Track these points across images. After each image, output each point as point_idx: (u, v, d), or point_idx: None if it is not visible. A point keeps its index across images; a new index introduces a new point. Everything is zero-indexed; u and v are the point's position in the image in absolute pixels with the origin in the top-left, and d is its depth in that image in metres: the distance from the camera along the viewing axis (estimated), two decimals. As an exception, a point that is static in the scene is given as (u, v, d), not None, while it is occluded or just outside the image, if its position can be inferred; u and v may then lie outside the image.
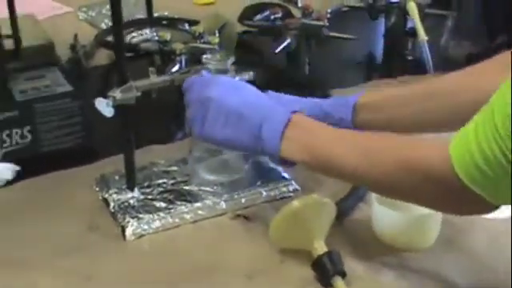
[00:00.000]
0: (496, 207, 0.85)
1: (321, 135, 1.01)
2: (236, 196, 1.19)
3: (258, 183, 1.21)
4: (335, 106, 1.14)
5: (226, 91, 1.08)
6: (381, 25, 1.82)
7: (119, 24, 1.07)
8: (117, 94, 1.08)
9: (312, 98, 1.18)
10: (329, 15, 1.70)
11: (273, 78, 1.64)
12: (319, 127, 1.03)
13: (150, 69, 1.13)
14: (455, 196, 0.85)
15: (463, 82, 1.08)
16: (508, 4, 1.57)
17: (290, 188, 1.22)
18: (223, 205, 1.17)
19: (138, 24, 1.80)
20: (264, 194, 1.20)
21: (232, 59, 1.17)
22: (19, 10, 1.51)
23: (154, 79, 1.13)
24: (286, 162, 1.05)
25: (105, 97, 1.08)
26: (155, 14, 1.87)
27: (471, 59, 1.59)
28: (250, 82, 1.23)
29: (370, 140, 0.97)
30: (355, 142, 0.98)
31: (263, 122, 1.04)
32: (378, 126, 1.11)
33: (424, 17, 1.70)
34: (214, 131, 1.07)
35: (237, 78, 1.21)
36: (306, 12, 1.69)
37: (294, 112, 1.05)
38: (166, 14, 1.94)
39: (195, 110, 1.08)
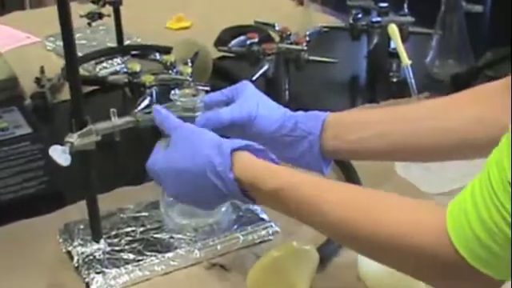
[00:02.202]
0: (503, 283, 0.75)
1: (277, 175, 0.91)
2: (211, 243, 1.11)
3: (235, 227, 1.14)
4: (306, 118, 1.06)
5: (161, 158, 0.99)
6: (363, 45, 1.77)
7: (74, 61, 0.99)
8: (74, 139, 0.99)
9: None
10: (308, 38, 1.64)
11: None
12: (269, 166, 0.93)
13: (112, 110, 1.04)
14: (457, 275, 0.75)
15: (434, 109, 1.02)
16: (493, 22, 1.52)
17: (270, 231, 1.14)
18: (197, 253, 1.09)
19: (107, 54, 1.74)
20: (241, 238, 1.12)
21: (202, 95, 1.09)
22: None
23: (116, 121, 1.04)
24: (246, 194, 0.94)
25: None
26: (127, 42, 1.82)
27: (457, 78, 1.55)
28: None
29: (357, 194, 0.87)
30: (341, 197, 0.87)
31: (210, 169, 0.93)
32: (343, 145, 1.04)
33: (408, 35, 1.65)
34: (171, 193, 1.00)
35: (210, 113, 1.13)
36: (284, 35, 1.63)
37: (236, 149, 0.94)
38: (138, 40, 1.87)
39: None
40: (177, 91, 1.10)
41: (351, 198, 0.85)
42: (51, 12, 1.85)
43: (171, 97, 1.09)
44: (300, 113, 1.07)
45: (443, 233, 0.73)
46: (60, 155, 0.97)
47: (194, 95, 1.09)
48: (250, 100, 1.06)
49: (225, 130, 1.04)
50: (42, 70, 1.64)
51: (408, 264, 0.80)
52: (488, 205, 0.70)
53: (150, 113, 1.09)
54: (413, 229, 0.77)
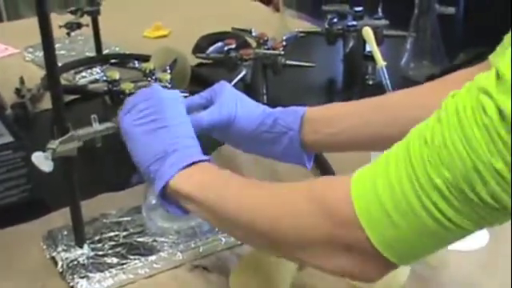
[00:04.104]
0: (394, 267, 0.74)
1: (222, 177, 0.92)
2: (193, 245, 1.12)
3: (217, 229, 1.14)
4: (284, 114, 1.07)
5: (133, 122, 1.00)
6: (339, 49, 1.79)
7: (54, 68, 1.00)
8: (56, 145, 1.00)
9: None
10: (284, 43, 1.66)
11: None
12: (224, 173, 0.93)
13: (93, 116, 1.06)
14: (343, 248, 0.74)
15: (413, 97, 1.03)
16: (465, 24, 1.55)
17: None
18: (180, 256, 1.10)
19: (86, 63, 1.75)
20: (223, 240, 1.13)
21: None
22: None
23: (98, 127, 1.06)
24: (167, 198, 0.94)
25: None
26: (105, 51, 1.83)
27: (432, 79, 1.57)
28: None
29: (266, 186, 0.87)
30: (241, 191, 0.88)
31: (174, 150, 0.94)
32: (323, 138, 1.05)
33: (383, 38, 1.67)
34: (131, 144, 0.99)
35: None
36: (261, 41, 1.64)
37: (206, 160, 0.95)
38: (117, 49, 1.88)
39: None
40: (156, 97, 1.11)
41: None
42: (29, 24, 1.88)
43: (151, 102, 1.11)
44: (279, 109, 1.08)
45: (347, 192, 0.73)
46: (42, 162, 0.98)
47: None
48: (228, 101, 1.07)
49: (205, 133, 1.05)
50: (22, 81, 1.66)
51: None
52: (400, 170, 0.69)
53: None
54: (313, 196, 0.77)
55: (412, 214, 0.68)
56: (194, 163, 0.92)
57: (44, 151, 1.00)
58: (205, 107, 1.08)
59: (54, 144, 1.00)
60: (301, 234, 0.78)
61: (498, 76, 0.63)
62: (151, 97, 1.00)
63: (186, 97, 1.12)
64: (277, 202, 0.82)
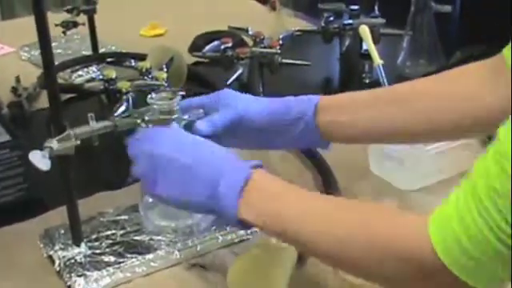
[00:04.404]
0: None
1: (285, 204, 0.89)
2: (191, 243, 1.12)
3: (214, 227, 1.15)
4: (298, 102, 1.08)
5: (176, 146, 0.98)
6: (335, 48, 1.79)
7: (51, 67, 0.99)
8: (54, 144, 1.00)
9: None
10: (281, 41, 1.66)
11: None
12: (282, 191, 0.91)
13: (89, 114, 1.06)
14: (435, 281, 0.76)
15: (434, 87, 1.04)
16: (462, 22, 1.54)
17: (248, 230, 1.15)
18: (177, 254, 1.10)
19: (83, 62, 1.74)
20: (220, 238, 1.13)
21: (178, 98, 1.10)
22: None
23: (95, 125, 1.06)
24: (245, 224, 0.93)
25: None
26: (102, 50, 1.83)
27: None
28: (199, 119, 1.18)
29: (340, 215, 0.85)
30: (324, 218, 0.86)
31: (219, 180, 0.91)
32: (338, 128, 1.06)
33: (379, 37, 1.67)
34: (167, 191, 0.96)
35: (185, 117, 1.15)
36: (258, 39, 1.64)
37: (255, 167, 0.93)
38: (113, 48, 1.88)
39: (144, 166, 0.98)
40: (154, 95, 1.11)
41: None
42: (24, 23, 1.88)
43: (148, 100, 1.11)
44: (289, 97, 1.09)
45: (425, 238, 0.74)
46: (40, 160, 0.98)
47: (170, 98, 1.10)
48: (235, 100, 1.08)
49: (217, 135, 1.05)
50: (18, 80, 1.65)
51: (385, 271, 0.80)
52: (473, 212, 0.70)
53: (127, 117, 1.11)
54: (395, 235, 0.78)
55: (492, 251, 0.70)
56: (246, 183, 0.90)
57: (41, 150, 1.00)
58: (205, 111, 1.09)
59: (51, 142, 1.00)
60: (386, 278, 0.81)
61: None
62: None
63: (182, 96, 1.12)
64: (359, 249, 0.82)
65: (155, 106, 1.10)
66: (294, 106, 1.08)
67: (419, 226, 0.75)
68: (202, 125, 1.06)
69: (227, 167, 0.93)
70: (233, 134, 1.08)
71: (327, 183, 1.25)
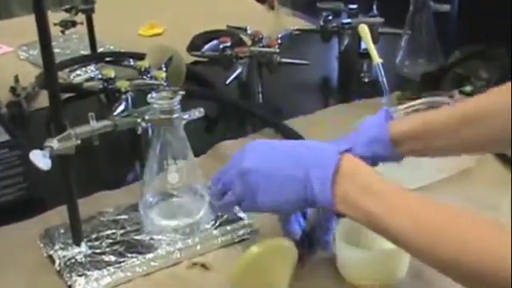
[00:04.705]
0: None
1: (377, 198, 0.91)
2: (191, 243, 1.12)
3: (214, 227, 1.14)
4: (370, 146, 1.06)
5: (259, 157, 0.99)
6: (334, 47, 1.78)
7: (51, 66, 0.99)
8: (54, 143, 1.00)
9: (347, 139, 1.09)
10: (280, 41, 1.66)
11: (224, 110, 1.59)
12: (374, 182, 0.93)
13: (90, 114, 1.05)
14: None
15: (501, 102, 1.01)
16: (460, 21, 1.54)
17: (248, 229, 1.15)
18: (178, 253, 1.10)
19: (81, 61, 1.74)
20: (221, 238, 1.13)
21: (179, 97, 1.10)
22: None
23: (95, 125, 1.06)
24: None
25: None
26: (100, 49, 1.83)
27: (427, 77, 1.58)
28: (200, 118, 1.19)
29: (433, 218, 0.87)
30: (417, 219, 0.87)
31: (308, 173, 0.94)
32: (417, 155, 1.07)
33: (378, 36, 1.67)
34: (262, 201, 0.98)
35: (185, 116, 1.15)
36: (256, 39, 1.64)
37: (343, 152, 0.96)
38: (111, 47, 1.88)
39: (237, 186, 1.00)
40: (154, 94, 1.11)
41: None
42: (22, 22, 1.88)
43: (148, 100, 1.11)
44: (358, 138, 1.07)
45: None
46: (40, 160, 0.98)
47: (171, 98, 1.11)
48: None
49: None
50: (17, 79, 1.65)
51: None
52: None
53: (127, 116, 1.11)
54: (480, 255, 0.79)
55: None
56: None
57: (41, 149, 1.00)
58: None
59: (51, 142, 1.00)
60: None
61: None
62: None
63: (181, 94, 1.12)
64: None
65: (156, 106, 1.10)
66: (368, 152, 1.05)
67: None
68: None
69: (313, 159, 0.95)
70: None
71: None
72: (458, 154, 1.10)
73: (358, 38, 1.68)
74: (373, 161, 1.05)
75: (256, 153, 1.00)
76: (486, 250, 0.79)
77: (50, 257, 1.10)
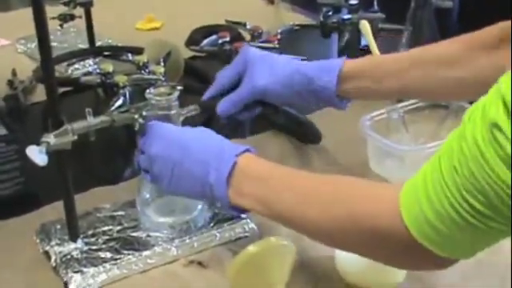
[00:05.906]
0: (455, 261, 0.79)
1: (270, 184, 0.95)
2: (188, 240, 1.11)
3: (212, 224, 1.14)
4: (318, 72, 1.14)
5: (166, 143, 1.03)
6: (334, 43, 1.77)
7: (49, 61, 0.98)
8: (51, 139, 0.99)
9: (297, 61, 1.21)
10: (279, 36, 1.64)
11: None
12: (266, 172, 0.96)
13: (87, 110, 1.04)
14: (410, 253, 0.78)
15: (457, 53, 1.08)
16: (462, 17, 1.54)
17: (246, 227, 1.14)
18: (174, 251, 1.09)
19: (79, 55, 1.73)
20: (218, 235, 1.12)
21: (177, 93, 1.09)
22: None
23: (92, 120, 1.05)
24: (239, 209, 0.99)
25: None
26: (98, 43, 1.81)
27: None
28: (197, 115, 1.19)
29: (323, 191, 0.89)
30: (306, 194, 0.90)
31: (207, 174, 0.98)
32: (363, 94, 1.13)
33: (379, 32, 1.66)
34: (174, 186, 1.03)
35: (183, 112, 1.14)
36: (255, 34, 1.63)
37: (242, 152, 0.99)
38: (109, 41, 1.86)
39: (155, 167, 1.04)
40: (152, 90, 1.10)
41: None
42: (20, 15, 1.86)
43: (146, 95, 1.10)
44: (313, 66, 1.16)
45: (397, 212, 0.76)
46: (37, 155, 0.97)
47: (169, 94, 1.10)
48: (254, 78, 1.18)
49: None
50: (14, 73, 1.64)
51: (362, 244, 0.83)
52: (436, 187, 0.72)
53: (124, 112, 1.10)
54: (369, 210, 0.81)
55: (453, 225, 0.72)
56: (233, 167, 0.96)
57: (38, 144, 0.99)
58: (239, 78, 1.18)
59: (48, 137, 0.99)
60: (365, 251, 0.86)
61: (505, 105, 0.65)
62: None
63: (179, 90, 1.11)
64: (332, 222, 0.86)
65: (153, 102, 1.09)
66: (315, 77, 1.13)
67: (392, 201, 0.77)
68: (222, 106, 1.19)
69: (213, 160, 0.98)
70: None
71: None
72: (407, 97, 1.18)
73: (358, 34, 1.67)
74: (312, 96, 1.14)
75: (163, 141, 1.03)
76: (374, 198, 0.82)
77: (46, 253, 1.09)
